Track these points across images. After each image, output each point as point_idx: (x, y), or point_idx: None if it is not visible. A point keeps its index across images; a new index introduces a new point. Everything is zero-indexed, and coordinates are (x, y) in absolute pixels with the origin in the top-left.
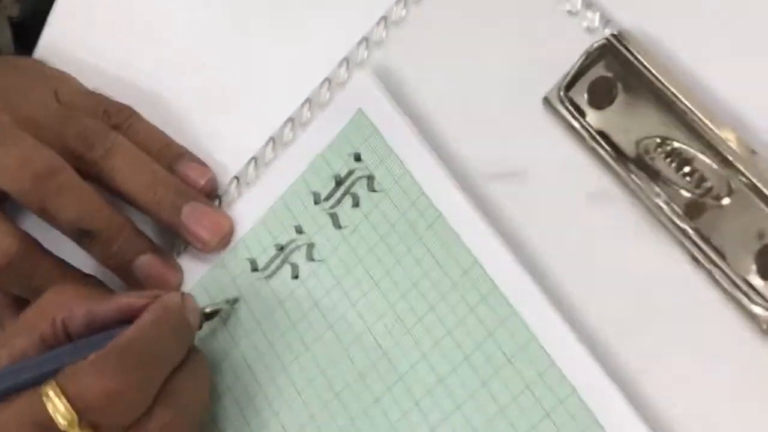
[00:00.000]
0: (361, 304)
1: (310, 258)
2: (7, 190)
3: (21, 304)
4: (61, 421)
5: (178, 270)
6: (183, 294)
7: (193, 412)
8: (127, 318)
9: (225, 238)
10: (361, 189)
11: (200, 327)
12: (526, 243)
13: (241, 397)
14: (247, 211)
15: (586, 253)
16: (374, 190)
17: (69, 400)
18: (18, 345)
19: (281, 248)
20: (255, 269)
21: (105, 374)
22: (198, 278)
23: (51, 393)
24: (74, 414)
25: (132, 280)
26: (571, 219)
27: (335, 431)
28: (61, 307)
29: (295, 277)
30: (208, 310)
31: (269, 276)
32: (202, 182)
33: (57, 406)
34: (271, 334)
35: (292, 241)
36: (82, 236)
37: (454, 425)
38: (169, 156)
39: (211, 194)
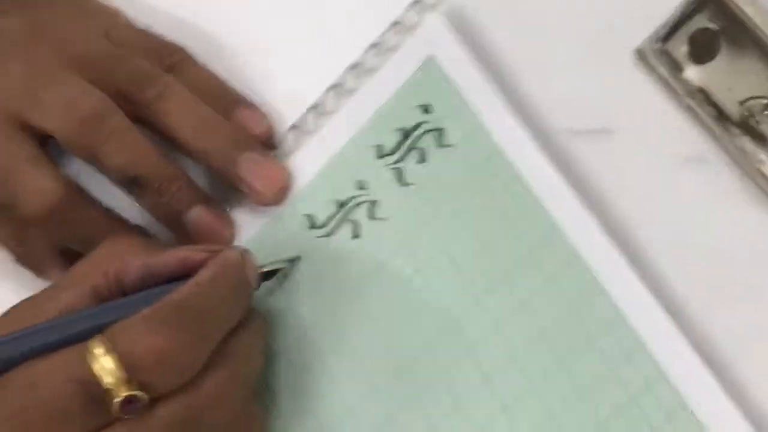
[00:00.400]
0: (428, 269)
1: (373, 216)
2: (52, 133)
3: (66, 255)
4: (108, 380)
5: (231, 224)
6: (243, 250)
7: (249, 376)
8: (185, 273)
9: (282, 191)
10: (429, 143)
11: (258, 287)
12: (611, 207)
13: (297, 362)
14: (306, 163)
15: (677, 221)
16: (444, 145)
17: (118, 357)
18: (66, 298)
19: (341, 205)
20: (313, 226)
21: (158, 331)
22: (252, 234)
23: (98, 349)
24: (123, 372)
25: (182, 233)
26: (661, 183)
27: (397, 405)
28: (115, 258)
29: (356, 236)
30: (267, 269)
31: (328, 234)
32: (258, 131)
33: (103, 364)
34: (331, 298)
35: (353, 197)
36: (131, 184)
37: (528, 406)
38: (225, 101)
39: (268, 144)
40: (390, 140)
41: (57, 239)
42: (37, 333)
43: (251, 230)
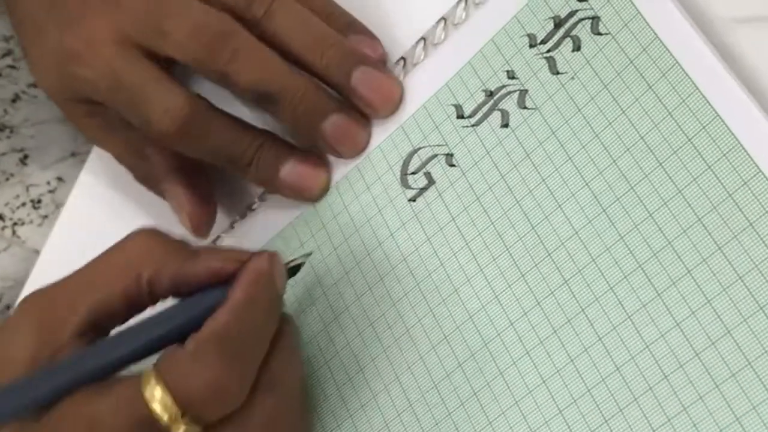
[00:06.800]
0: (579, 157)
1: (523, 106)
2: (182, 60)
3: (182, 167)
4: (165, 417)
5: (368, 127)
6: (270, 255)
7: (295, 391)
8: (215, 282)
9: (395, 105)
10: (583, 31)
11: (284, 291)
12: None
13: (449, 262)
14: (454, 53)
15: None
16: (599, 33)
17: (173, 394)
18: (98, 299)
19: (490, 94)
20: (461, 116)
21: (207, 365)
22: (396, 127)
23: (154, 388)
24: (178, 409)
25: (320, 140)
26: None
27: (547, 290)
28: (148, 260)
29: (505, 125)
30: (291, 265)
31: (476, 123)
32: (374, 56)
33: (161, 402)
34: (477, 186)
35: (503, 86)
36: (264, 101)
37: (684, 292)
38: (337, 25)
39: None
40: (543, 29)
41: (186, 152)
42: (80, 362)
43: (386, 131)
